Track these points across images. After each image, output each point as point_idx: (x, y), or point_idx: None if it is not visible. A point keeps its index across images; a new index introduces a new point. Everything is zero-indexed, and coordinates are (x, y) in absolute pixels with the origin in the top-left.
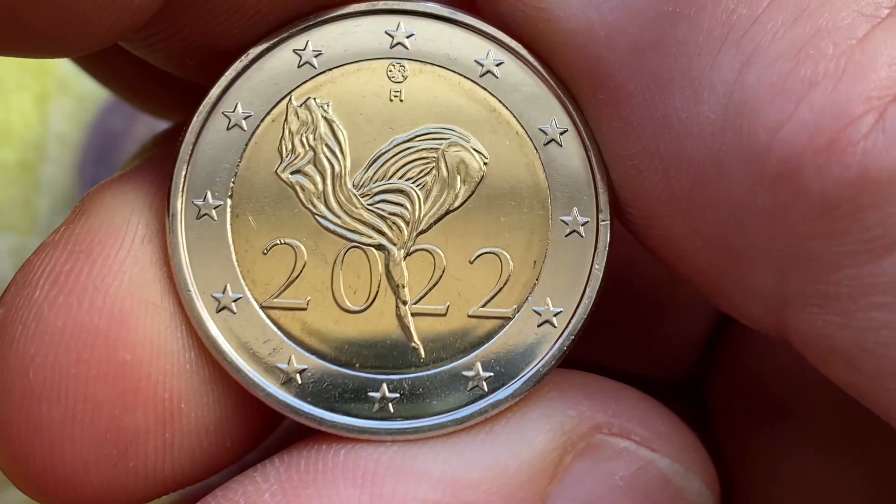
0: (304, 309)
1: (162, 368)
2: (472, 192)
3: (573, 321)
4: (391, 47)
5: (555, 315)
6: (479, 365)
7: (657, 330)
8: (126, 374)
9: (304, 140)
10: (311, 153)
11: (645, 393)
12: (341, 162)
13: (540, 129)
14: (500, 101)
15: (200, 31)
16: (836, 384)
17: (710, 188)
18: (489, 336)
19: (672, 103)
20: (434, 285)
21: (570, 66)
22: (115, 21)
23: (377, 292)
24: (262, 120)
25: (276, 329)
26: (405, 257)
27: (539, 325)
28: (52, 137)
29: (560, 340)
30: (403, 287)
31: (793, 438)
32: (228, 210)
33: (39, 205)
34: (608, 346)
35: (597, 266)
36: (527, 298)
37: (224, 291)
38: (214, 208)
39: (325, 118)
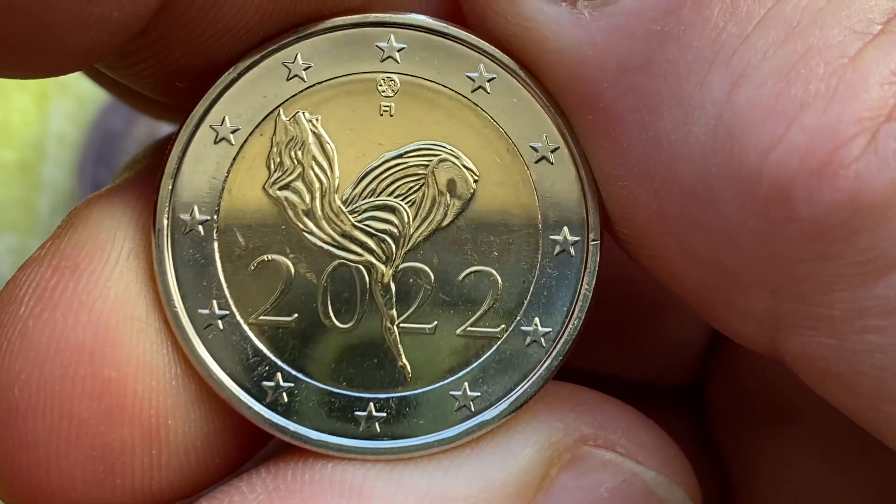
0: (291, 326)
1: (148, 385)
2: (462, 210)
3: (561, 342)
4: (381, 61)
5: (543, 335)
6: (466, 385)
7: (657, 335)
8: (112, 390)
9: (293, 155)
10: (299, 168)
11: (644, 397)
12: (330, 177)
13: (531, 147)
14: (491, 118)
15: (189, 50)
16: (831, 404)
17: (701, 210)
18: (477, 356)
19: (662, 124)
20: (422, 304)
21: (559, 85)
22: (94, 40)
23: (365, 310)
24: (251, 134)
25: (262, 346)
26: (393, 275)
27: (527, 345)
28: (52, 137)
29: (548, 361)
30: (391, 305)
31: (794, 442)
32: (215, 226)
33: (39, 205)
34: (607, 352)
35: (586, 286)
36: (515, 318)
37: (210, 308)
38: (201, 224)
39: (314, 133)
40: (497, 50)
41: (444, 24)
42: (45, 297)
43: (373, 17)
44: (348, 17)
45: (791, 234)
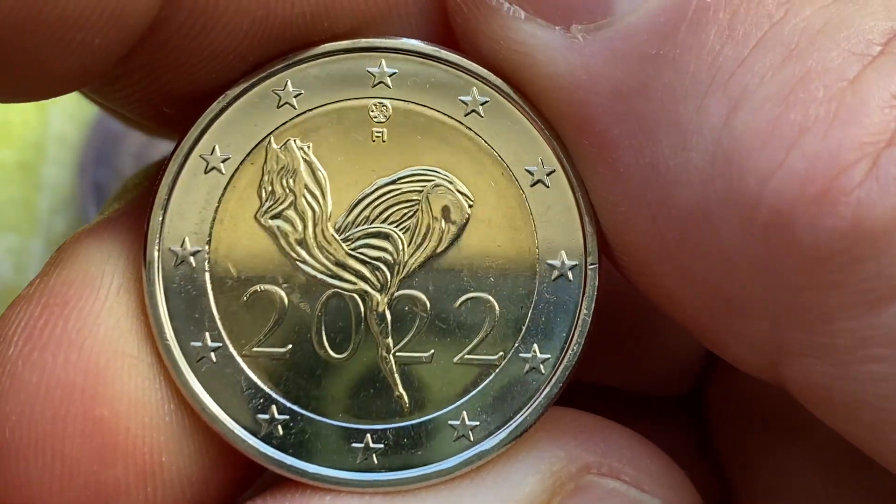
0: (285, 357)
1: (141, 422)
2: (458, 236)
3: (561, 368)
4: (373, 86)
5: (542, 362)
6: (465, 414)
7: (655, 345)
8: (104, 429)
9: (284, 183)
10: (291, 197)
11: (642, 407)
12: (322, 206)
13: (526, 170)
14: (485, 142)
15: (175, 76)
16: (835, 430)
17: (700, 237)
18: (475, 384)
19: (659, 149)
20: (418, 332)
21: (554, 109)
22: (77, 66)
23: (360, 340)
24: (241, 163)
25: (256, 379)
26: (388, 303)
27: (526, 373)
28: (52, 137)
29: (548, 388)
30: (387, 334)
31: (794, 451)
32: (207, 257)
33: (39, 205)
34: (606, 364)
35: (585, 311)
36: (514, 345)
37: (203, 340)
38: (192, 255)
39: (306, 160)
40: (490, 73)
41: (436, 48)
42: (34, 336)
43: (363, 42)
44: (338, 42)
45: (792, 262)
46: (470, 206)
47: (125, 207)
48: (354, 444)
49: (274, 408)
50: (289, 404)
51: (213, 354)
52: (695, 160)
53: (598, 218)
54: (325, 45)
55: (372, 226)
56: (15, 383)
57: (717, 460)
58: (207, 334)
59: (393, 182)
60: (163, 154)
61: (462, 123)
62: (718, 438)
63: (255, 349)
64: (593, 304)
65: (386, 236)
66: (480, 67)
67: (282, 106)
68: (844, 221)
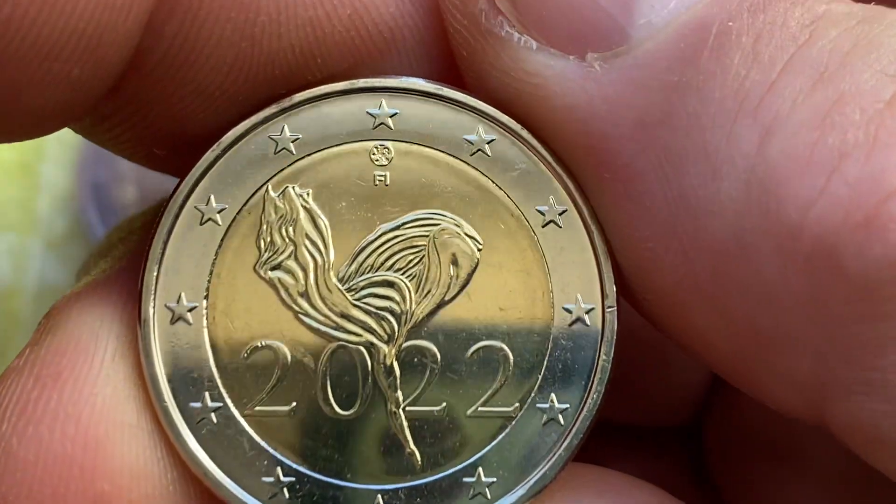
0: (290, 416)
1: (143, 494)
2: (467, 282)
3: (581, 418)
4: (374, 128)
5: (560, 412)
6: (480, 470)
7: (655, 378)
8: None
9: (284, 233)
10: (291, 247)
11: (639, 438)
12: (324, 254)
13: (537, 210)
14: (492, 182)
15: (162, 113)
16: (881, 472)
17: (735, 270)
18: (490, 437)
19: (688, 180)
20: (429, 384)
21: (570, 144)
22: (58, 100)
23: (367, 394)
24: (238, 213)
25: (259, 439)
26: (396, 355)
27: (544, 424)
28: (52, 137)
29: (567, 439)
30: (395, 388)
31: (794, 482)
32: (204, 312)
33: (39, 204)
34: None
35: (604, 356)
36: (530, 395)
37: (202, 401)
38: (189, 311)
39: (306, 208)
40: (496, 110)
41: (438, 86)
42: (28, 410)
43: (361, 82)
44: (336, 84)
45: (838, 294)
46: (479, 250)
47: (114, 266)
48: None
49: (279, 469)
50: (294, 465)
51: (213, 415)
52: (727, 189)
53: (617, 258)
54: (322, 86)
55: (376, 274)
56: (11, 461)
57: (715, 491)
58: (207, 394)
59: (397, 227)
60: (153, 198)
61: (468, 163)
62: (717, 469)
63: (257, 408)
64: (613, 349)
65: (391, 285)
66: (486, 105)
67: (279, 152)
68: (893, 248)
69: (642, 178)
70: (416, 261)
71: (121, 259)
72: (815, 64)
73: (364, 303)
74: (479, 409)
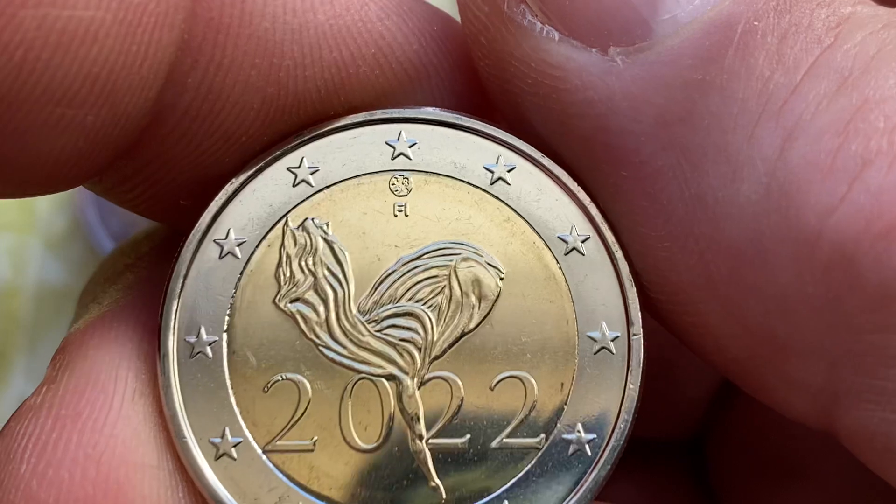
0: (311, 450)
1: None
2: (489, 312)
3: (608, 448)
4: (393, 158)
5: (588, 443)
6: (506, 503)
7: (659, 391)
8: None
9: (304, 265)
10: (311, 279)
11: (642, 451)
12: (345, 286)
13: (559, 238)
14: (513, 210)
15: (190, 163)
16: (888, 482)
17: (752, 273)
18: (516, 470)
19: (707, 181)
20: (452, 416)
21: (589, 141)
22: (71, 150)
23: (390, 427)
24: (257, 246)
25: (280, 475)
26: (419, 387)
27: (571, 455)
28: None
29: (595, 471)
30: (418, 420)
31: (799, 497)
32: (224, 346)
33: (38, 204)
34: None
35: (631, 385)
36: (556, 425)
37: (223, 436)
38: (209, 345)
39: (325, 239)
40: (516, 139)
41: (457, 116)
42: (47, 451)
43: (379, 113)
44: (355, 115)
45: (855, 303)
46: (501, 280)
47: (124, 296)
48: None
49: None
50: (316, 501)
51: (233, 450)
52: (746, 192)
53: (634, 259)
54: (341, 118)
55: (398, 305)
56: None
57: None
58: (227, 429)
59: (418, 257)
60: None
61: (489, 192)
62: (720, 482)
63: (278, 442)
64: (640, 378)
65: (413, 315)
66: (505, 133)
67: (298, 184)
68: None
69: (660, 177)
70: (437, 291)
71: (131, 288)
72: (839, 68)
73: (385, 334)
74: (504, 440)
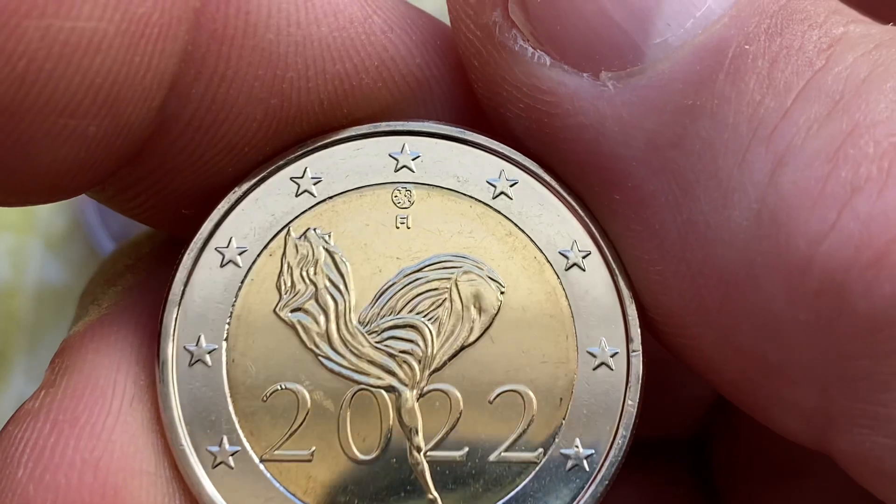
0: (309, 461)
1: None
2: (489, 325)
3: (606, 464)
4: (396, 171)
5: (586, 458)
6: None
7: (661, 390)
8: None
9: (305, 275)
10: (312, 289)
11: (645, 451)
12: (345, 297)
13: (560, 253)
14: (515, 225)
15: (193, 173)
16: (883, 502)
17: (743, 299)
18: (514, 484)
19: (698, 206)
20: (451, 429)
21: (581, 165)
22: (73, 160)
23: (388, 439)
24: (259, 255)
25: (278, 485)
26: (418, 399)
27: (569, 470)
28: None
29: (593, 486)
30: (417, 432)
31: (799, 497)
32: (224, 355)
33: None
34: None
35: (630, 402)
36: (554, 440)
37: (220, 445)
38: (208, 353)
39: (327, 250)
40: (518, 153)
41: (460, 130)
42: (45, 456)
43: (384, 126)
44: (358, 127)
45: (845, 329)
46: (501, 294)
47: (123, 299)
48: None
49: None
50: None
51: (231, 459)
52: (737, 218)
53: (630, 278)
54: (345, 129)
55: (398, 317)
56: None
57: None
58: (225, 437)
59: (419, 269)
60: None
61: (491, 206)
62: (722, 482)
63: (276, 452)
64: (639, 394)
65: (413, 327)
66: (508, 148)
67: (300, 194)
68: None
69: (652, 201)
70: (438, 303)
71: (131, 290)
72: (830, 91)
73: (385, 346)
74: (502, 454)
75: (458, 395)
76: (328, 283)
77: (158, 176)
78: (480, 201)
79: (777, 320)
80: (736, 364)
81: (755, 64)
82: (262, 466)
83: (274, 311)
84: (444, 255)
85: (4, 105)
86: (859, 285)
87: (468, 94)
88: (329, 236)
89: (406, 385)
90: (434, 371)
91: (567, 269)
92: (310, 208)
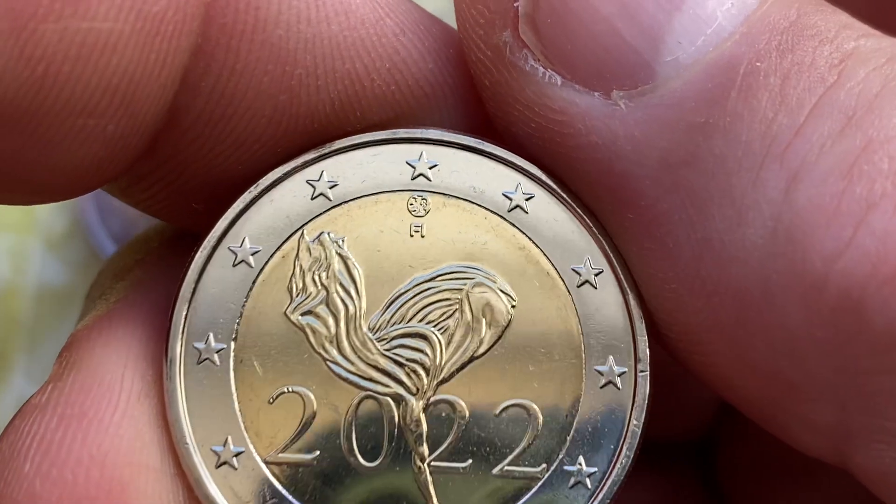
0: (312, 465)
1: None
2: (499, 338)
3: (608, 483)
4: (412, 178)
5: (588, 475)
6: None
7: (668, 392)
8: None
9: (317, 278)
10: (323, 293)
11: (651, 453)
12: (356, 303)
13: (573, 270)
14: (529, 239)
15: (202, 168)
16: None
17: (759, 317)
18: (516, 497)
19: (713, 224)
20: (455, 440)
21: (594, 184)
22: (92, 158)
23: (393, 447)
24: (272, 256)
25: (280, 487)
26: (424, 408)
27: (571, 487)
28: None
29: None
30: (422, 441)
31: (809, 499)
32: (232, 354)
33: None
34: None
35: (634, 422)
36: (558, 456)
37: (225, 444)
38: (217, 352)
39: (340, 255)
40: (536, 168)
41: (479, 140)
42: (52, 451)
43: (402, 132)
44: (377, 132)
45: (863, 346)
46: (513, 307)
47: (132, 293)
48: None
49: None
50: None
51: (234, 459)
52: (752, 236)
53: (643, 296)
54: (363, 134)
55: (408, 325)
56: (34, 503)
57: None
58: (230, 437)
59: (432, 279)
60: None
61: (505, 219)
62: (729, 484)
63: (280, 455)
64: (644, 414)
65: (423, 337)
66: (526, 162)
67: (316, 197)
68: None
69: (666, 220)
70: (448, 314)
71: (139, 285)
72: (842, 107)
73: (394, 353)
74: (506, 468)
75: (465, 406)
76: (339, 288)
77: (169, 169)
78: (496, 213)
79: (794, 338)
80: (752, 381)
81: (767, 81)
82: (265, 468)
83: (284, 313)
84: (457, 266)
85: (25, 108)
86: (876, 302)
87: (480, 103)
88: (343, 241)
89: (413, 394)
90: (442, 381)
91: (579, 286)
92: (325, 212)
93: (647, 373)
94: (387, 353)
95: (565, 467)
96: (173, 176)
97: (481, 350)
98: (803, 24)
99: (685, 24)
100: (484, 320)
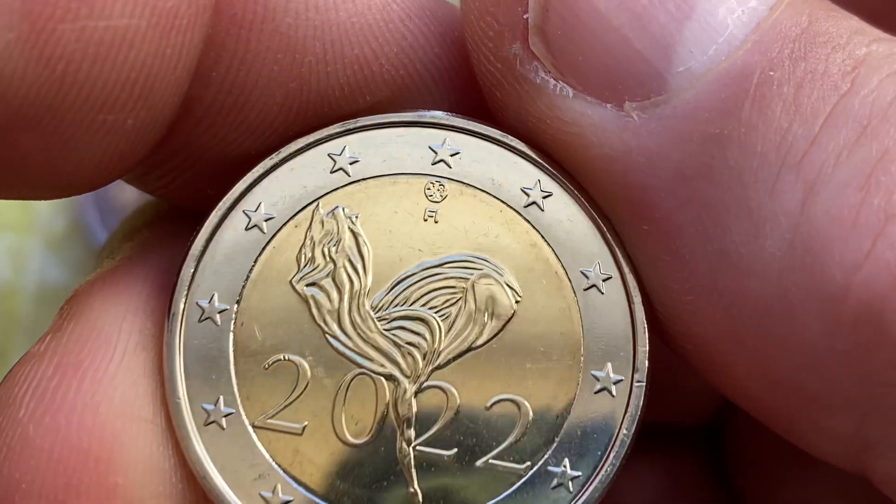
0: (299, 434)
1: (154, 491)
2: (499, 331)
3: (590, 489)
4: (433, 164)
5: (571, 479)
6: None
7: (676, 376)
8: (118, 498)
9: (326, 251)
10: (330, 266)
11: (658, 437)
12: (362, 280)
13: (582, 273)
14: (542, 237)
15: (215, 154)
16: None
17: (778, 329)
18: (496, 492)
19: (729, 236)
20: (443, 427)
21: (609, 195)
22: (111, 152)
23: (380, 426)
24: (285, 224)
25: (265, 452)
26: (416, 392)
27: (553, 488)
28: None
29: None
30: (410, 424)
31: (814, 484)
32: (234, 316)
33: (38, 205)
34: None
35: (625, 431)
36: (543, 456)
37: (216, 404)
38: (219, 312)
39: (352, 230)
40: (558, 166)
41: (503, 133)
42: (46, 398)
43: (428, 116)
44: (403, 114)
45: (884, 358)
46: (517, 302)
47: (137, 253)
48: None
49: (279, 486)
50: (295, 485)
51: (223, 420)
52: (770, 248)
53: (657, 307)
54: (390, 114)
55: (410, 308)
56: (27, 448)
57: (734, 490)
58: (221, 398)
59: (439, 265)
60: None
61: (520, 214)
62: (737, 468)
63: (268, 420)
64: (635, 425)
65: (423, 321)
66: (549, 159)
67: (335, 171)
68: None
69: (682, 232)
70: (451, 301)
71: (145, 245)
72: (857, 116)
73: (393, 334)
74: (490, 461)
75: (457, 395)
76: (347, 263)
77: (183, 157)
78: (512, 207)
79: (813, 350)
80: (771, 392)
81: (780, 90)
82: (252, 432)
83: (290, 281)
84: (466, 255)
85: (46, 106)
86: None
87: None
88: (356, 217)
89: (407, 376)
90: (437, 368)
91: (586, 290)
92: (342, 186)
93: (644, 384)
94: (386, 333)
95: (549, 468)
96: (188, 163)
97: (480, 341)
98: (815, 30)
99: (696, 33)
100: (486, 312)
